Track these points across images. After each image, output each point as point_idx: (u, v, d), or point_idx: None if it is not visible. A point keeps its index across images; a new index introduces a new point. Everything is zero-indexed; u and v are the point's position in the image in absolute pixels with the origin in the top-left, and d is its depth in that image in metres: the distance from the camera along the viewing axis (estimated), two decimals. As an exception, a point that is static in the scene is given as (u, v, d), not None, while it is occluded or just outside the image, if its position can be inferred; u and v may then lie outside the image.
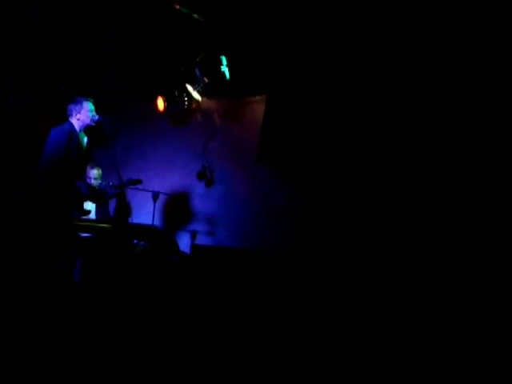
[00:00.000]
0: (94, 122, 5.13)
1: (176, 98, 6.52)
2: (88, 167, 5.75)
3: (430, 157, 5.01)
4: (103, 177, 5.85)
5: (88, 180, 5.72)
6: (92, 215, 5.59)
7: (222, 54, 6.07)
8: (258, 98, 6.60)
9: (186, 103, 6.57)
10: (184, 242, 6.54)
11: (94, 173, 5.84)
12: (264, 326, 4.65)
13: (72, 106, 5.13)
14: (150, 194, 6.23)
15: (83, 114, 5.11)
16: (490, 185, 4.62)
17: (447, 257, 4.68)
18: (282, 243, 6.01)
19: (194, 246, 6.34)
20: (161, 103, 6.61)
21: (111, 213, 6.15)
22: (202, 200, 6.76)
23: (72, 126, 5.09)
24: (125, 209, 6.06)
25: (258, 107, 6.53)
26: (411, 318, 4.43)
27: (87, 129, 5.18)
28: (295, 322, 4.63)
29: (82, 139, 5.17)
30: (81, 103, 5.13)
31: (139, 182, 5.63)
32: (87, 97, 5.18)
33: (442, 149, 4.93)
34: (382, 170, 5.30)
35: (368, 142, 5.45)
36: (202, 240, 6.52)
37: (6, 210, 5.67)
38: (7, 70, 5.84)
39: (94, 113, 5.13)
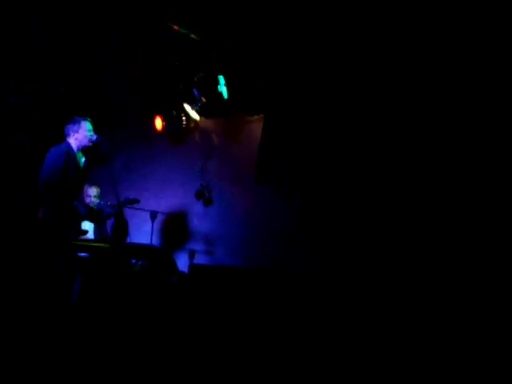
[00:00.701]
0: (92, 142, 5.14)
1: (174, 117, 6.55)
2: (86, 186, 5.72)
3: (429, 163, 5.01)
4: (102, 195, 5.83)
5: (87, 198, 5.69)
6: (90, 235, 5.57)
7: (219, 74, 6.11)
8: (255, 117, 6.62)
9: (184, 123, 6.60)
10: (182, 262, 6.50)
11: (93, 191, 5.81)
12: (264, 345, 4.61)
13: (69, 126, 5.13)
14: (148, 214, 6.22)
15: (81, 134, 5.12)
16: (490, 184, 4.61)
17: (449, 260, 4.65)
18: (281, 261, 5.98)
19: (192, 266, 6.30)
20: (159, 123, 6.64)
21: (109, 232, 6.12)
22: (200, 219, 6.74)
23: (69, 145, 5.09)
24: (123, 228, 6.03)
25: (255, 126, 6.55)
26: (412, 320, 4.40)
27: (85, 149, 5.20)
28: (296, 342, 4.59)
29: (80, 159, 5.18)
30: (79, 123, 5.13)
31: (136, 201, 5.61)
32: (86, 116, 5.21)
33: (442, 152, 4.93)
34: (382, 185, 5.30)
35: (366, 159, 5.46)
36: (200, 259, 6.48)
37: (5, 210, 5.68)
38: (7, 69, 5.85)
39: (92, 132, 5.14)
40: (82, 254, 5.18)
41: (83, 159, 5.24)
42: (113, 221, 6.20)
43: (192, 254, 6.48)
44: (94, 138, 5.13)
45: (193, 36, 5.70)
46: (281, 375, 4.15)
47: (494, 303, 4.27)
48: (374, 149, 5.41)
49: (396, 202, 5.19)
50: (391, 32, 5.10)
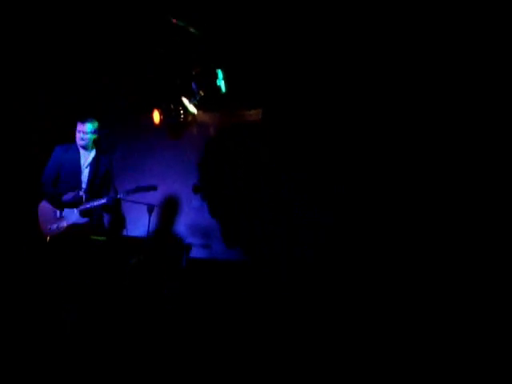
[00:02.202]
0: (81, 146, 5.27)
1: (172, 111, 6.54)
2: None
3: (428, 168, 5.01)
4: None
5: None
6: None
7: (218, 68, 6.09)
8: (253, 111, 6.62)
9: (182, 116, 6.58)
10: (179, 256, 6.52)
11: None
12: (259, 339, 4.63)
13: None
14: (145, 207, 6.20)
15: (76, 133, 5.24)
16: (490, 184, 4.61)
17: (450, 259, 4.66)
18: (279, 256, 5.98)
19: (188, 260, 6.32)
20: (157, 116, 6.62)
21: (106, 225, 6.11)
22: (197, 213, 6.74)
23: (75, 143, 5.36)
24: (119, 221, 6.04)
25: (253, 121, 6.54)
26: (412, 319, 4.41)
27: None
28: (292, 335, 4.60)
29: (81, 156, 5.36)
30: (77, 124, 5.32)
31: (154, 188, 5.54)
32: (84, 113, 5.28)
33: (442, 151, 4.93)
34: (383, 182, 5.30)
35: (367, 141, 5.45)
36: (197, 253, 6.48)
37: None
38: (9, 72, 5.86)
39: (84, 136, 5.27)
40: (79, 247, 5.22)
41: (91, 157, 5.39)
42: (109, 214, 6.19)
43: (188, 248, 6.48)
44: (82, 142, 5.29)
45: (191, 29, 5.68)
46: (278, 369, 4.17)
47: (494, 303, 4.28)
48: (373, 144, 5.40)
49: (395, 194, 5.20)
50: (391, 22, 5.09)
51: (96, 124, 5.33)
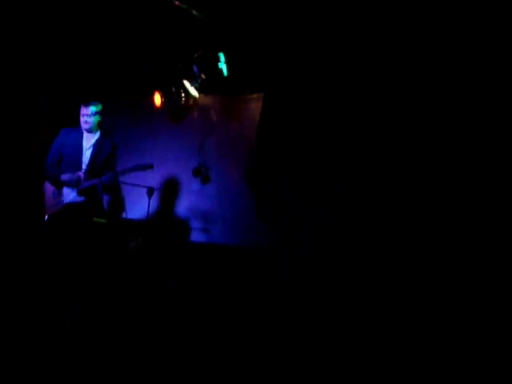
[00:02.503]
0: (85, 129, 5.26)
1: (173, 93, 6.51)
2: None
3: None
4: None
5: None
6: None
7: (220, 51, 6.06)
8: (255, 95, 6.60)
9: (183, 99, 6.56)
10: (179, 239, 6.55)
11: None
12: (259, 324, 4.64)
13: None
14: (144, 190, 6.21)
15: (80, 117, 5.25)
16: (491, 184, 4.61)
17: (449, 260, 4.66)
18: (279, 256, 5.99)
19: (188, 243, 6.34)
20: (158, 99, 6.60)
21: (105, 207, 6.11)
22: (197, 197, 6.75)
23: (79, 127, 5.33)
24: (119, 204, 6.04)
25: (255, 105, 6.52)
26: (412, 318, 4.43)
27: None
28: (292, 335, 4.61)
29: (85, 139, 5.32)
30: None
31: (150, 166, 5.49)
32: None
33: (443, 151, 4.92)
34: (383, 166, 5.28)
35: (367, 140, 5.43)
36: (196, 237, 6.50)
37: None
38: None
39: (88, 118, 5.25)
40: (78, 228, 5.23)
41: (94, 139, 5.36)
42: (108, 196, 6.18)
43: (188, 231, 6.49)
44: (86, 126, 5.26)
45: (194, 12, 5.63)
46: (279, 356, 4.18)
47: (494, 303, 4.29)
48: (374, 143, 5.38)
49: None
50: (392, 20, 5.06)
51: (100, 106, 5.31)
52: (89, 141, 5.35)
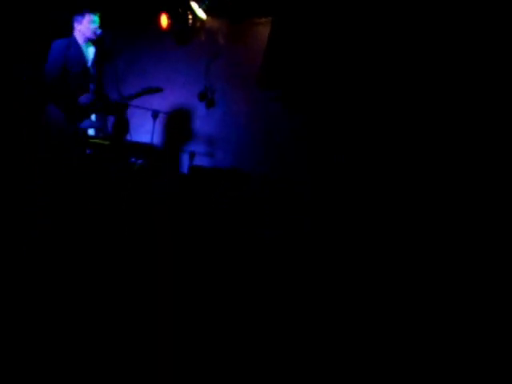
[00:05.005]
0: (96, 35, 5.10)
1: (180, 15, 6.40)
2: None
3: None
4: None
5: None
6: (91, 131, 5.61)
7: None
8: (263, 19, 6.46)
9: (190, 21, 6.46)
10: (182, 163, 6.63)
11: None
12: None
13: (75, 17, 5.12)
14: (149, 113, 6.22)
15: (84, 26, 5.11)
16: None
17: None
18: (280, 168, 6.05)
19: (192, 167, 6.41)
20: (164, 20, 6.50)
21: (109, 129, 6.16)
22: (202, 121, 6.76)
23: (74, 39, 5.09)
24: (123, 125, 6.07)
25: (263, 29, 6.40)
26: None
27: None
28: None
29: (86, 52, 5.18)
30: (83, 15, 5.09)
31: (160, 89, 5.47)
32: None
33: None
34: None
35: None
36: (200, 161, 6.57)
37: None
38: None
39: (98, 26, 5.10)
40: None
41: (92, 50, 5.23)
42: (113, 118, 6.21)
43: (192, 156, 6.55)
44: (99, 32, 5.09)
45: None
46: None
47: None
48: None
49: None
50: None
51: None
52: (86, 55, 5.20)
